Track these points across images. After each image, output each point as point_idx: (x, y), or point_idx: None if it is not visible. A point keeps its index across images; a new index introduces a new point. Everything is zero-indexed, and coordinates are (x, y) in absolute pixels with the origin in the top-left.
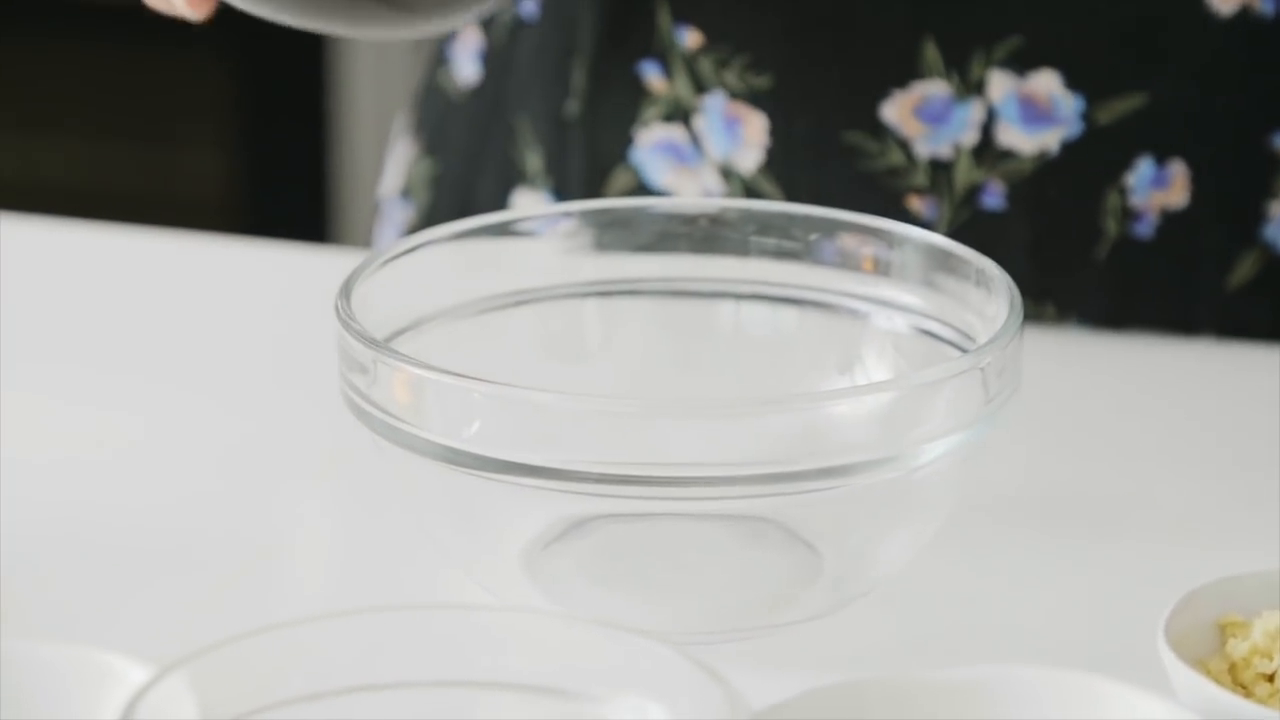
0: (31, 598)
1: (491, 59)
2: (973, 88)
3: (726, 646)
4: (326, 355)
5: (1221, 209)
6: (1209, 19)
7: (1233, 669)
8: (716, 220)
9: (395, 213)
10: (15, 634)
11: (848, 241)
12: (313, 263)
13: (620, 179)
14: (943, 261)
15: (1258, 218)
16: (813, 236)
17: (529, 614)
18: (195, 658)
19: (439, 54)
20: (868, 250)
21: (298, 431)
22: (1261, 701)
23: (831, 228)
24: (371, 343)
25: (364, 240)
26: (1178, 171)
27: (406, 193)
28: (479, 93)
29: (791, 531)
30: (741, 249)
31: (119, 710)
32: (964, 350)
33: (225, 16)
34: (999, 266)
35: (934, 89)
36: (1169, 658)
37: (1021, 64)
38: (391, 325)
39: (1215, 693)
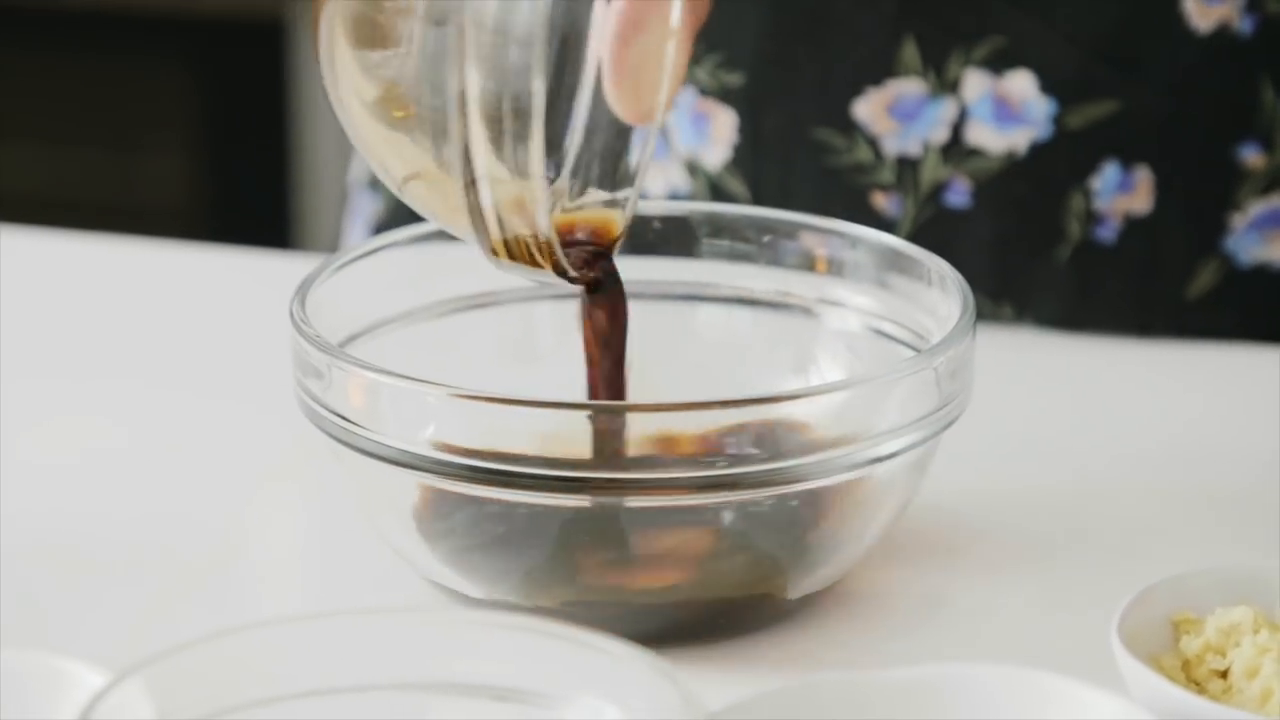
0: None
1: None
2: (948, 86)
3: (683, 647)
4: (288, 359)
5: (1184, 217)
6: (1187, 34)
7: (1186, 666)
8: (671, 222)
9: (364, 204)
10: None
11: (801, 242)
12: (276, 268)
13: None
14: (896, 262)
15: (1220, 228)
16: (766, 238)
17: (485, 616)
18: (152, 662)
19: None
20: (821, 251)
21: (257, 436)
22: (1214, 698)
23: (785, 229)
24: (326, 347)
25: (330, 236)
26: (1143, 177)
27: (375, 184)
28: None
29: (744, 532)
30: (696, 251)
31: (76, 715)
32: (917, 350)
33: (187, 24)
34: (952, 267)
35: (909, 87)
36: (1122, 655)
37: (999, 64)
38: (348, 329)
39: (1168, 689)
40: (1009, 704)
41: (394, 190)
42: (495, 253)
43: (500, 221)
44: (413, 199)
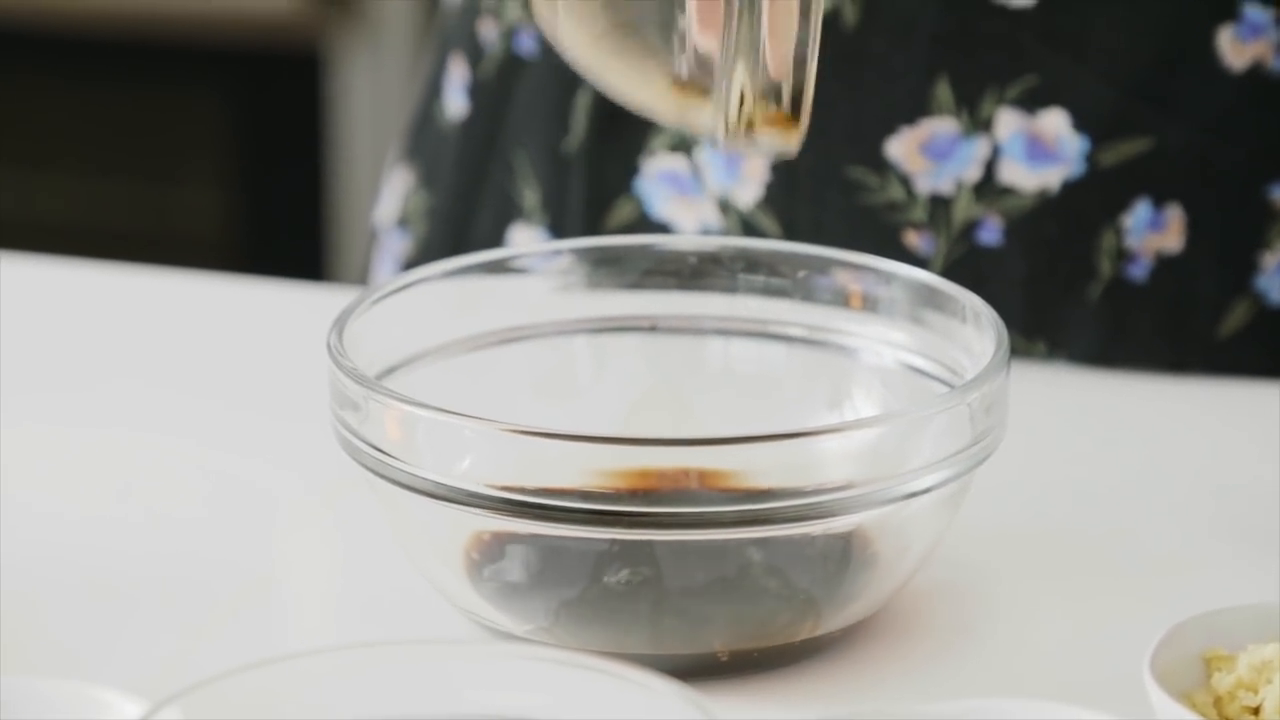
0: (26, 632)
1: (479, 93)
2: (981, 125)
3: (717, 681)
4: (322, 391)
5: (1216, 256)
6: (1221, 72)
7: (1218, 702)
8: (707, 258)
9: (393, 243)
10: (9, 669)
11: (836, 278)
12: (310, 299)
13: (622, 209)
14: (930, 298)
15: (1251, 267)
16: (801, 274)
17: (520, 649)
18: (188, 692)
19: (434, 83)
20: (856, 287)
21: (292, 467)
22: None
23: (820, 265)
24: (363, 380)
25: (360, 272)
26: (1175, 216)
27: (404, 223)
28: (468, 126)
29: (779, 566)
30: (731, 286)
31: None
32: (951, 386)
33: (223, 55)
34: (986, 303)
35: (942, 126)
36: (1155, 691)
37: (1032, 103)
38: (384, 362)
39: None
40: None
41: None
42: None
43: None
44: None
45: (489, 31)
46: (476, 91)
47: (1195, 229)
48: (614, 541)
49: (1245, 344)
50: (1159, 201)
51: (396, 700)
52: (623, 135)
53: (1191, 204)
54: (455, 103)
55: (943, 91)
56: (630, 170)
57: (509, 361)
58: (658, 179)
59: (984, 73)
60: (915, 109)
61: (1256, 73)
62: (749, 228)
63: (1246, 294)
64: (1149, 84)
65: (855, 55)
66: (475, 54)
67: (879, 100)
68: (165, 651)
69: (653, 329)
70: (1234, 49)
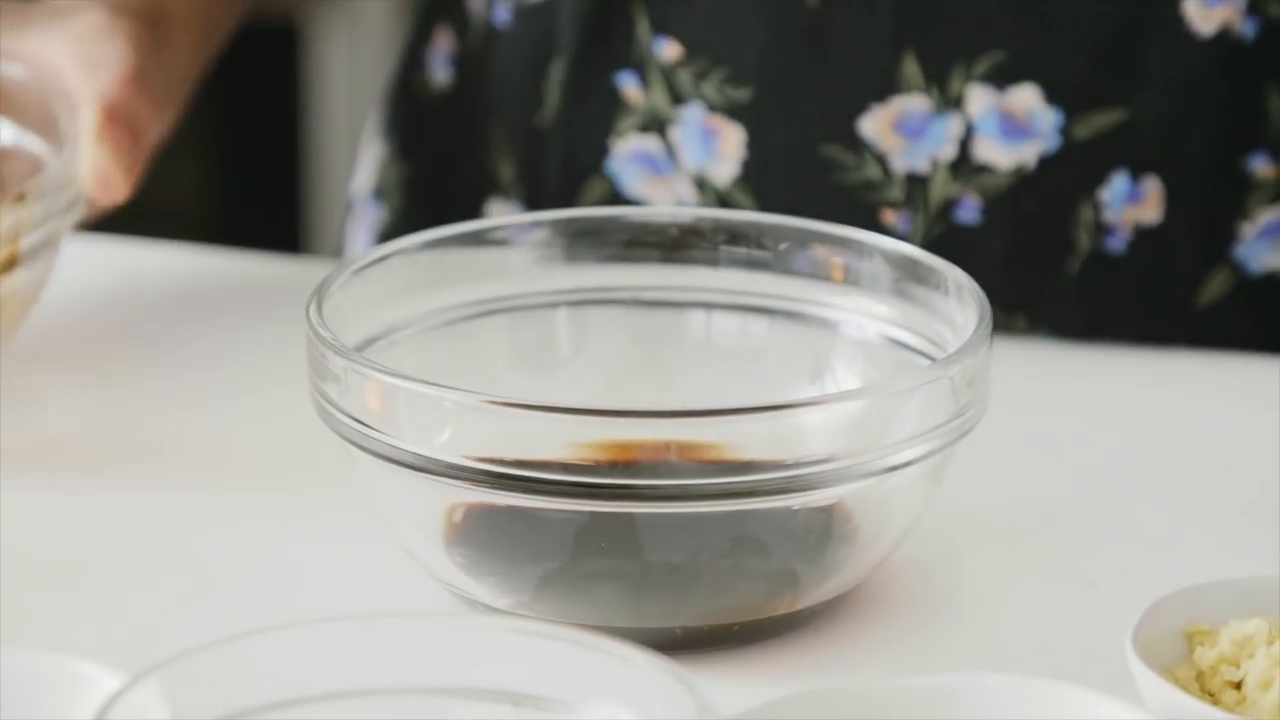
0: (3, 606)
1: (465, 64)
2: (952, 102)
3: (698, 654)
4: (299, 363)
5: (1194, 227)
6: (1189, 38)
7: (1200, 677)
8: (688, 230)
9: (368, 214)
10: None
11: (818, 251)
12: (287, 272)
13: (595, 188)
14: (913, 271)
15: (1230, 237)
16: (783, 246)
17: (500, 621)
18: (167, 665)
19: (411, 55)
20: (838, 260)
21: (271, 439)
22: (1228, 709)
23: (802, 237)
24: (342, 351)
25: (335, 244)
26: (1152, 188)
27: (379, 194)
28: (452, 97)
29: (759, 540)
30: (712, 259)
31: (91, 717)
32: (934, 359)
33: None
34: (969, 276)
35: (914, 104)
36: (1137, 666)
37: (1002, 78)
38: (363, 334)
39: (1183, 700)
40: (1023, 713)
41: None
42: None
43: None
44: None
45: (476, 1)
46: (464, 63)
47: (1173, 200)
48: (594, 514)
49: (1225, 314)
50: (1136, 173)
51: (376, 672)
52: (590, 116)
53: (1169, 175)
54: (440, 73)
55: (910, 67)
56: (601, 150)
57: (489, 333)
58: (630, 159)
59: (950, 47)
60: (885, 86)
61: (1225, 37)
62: (725, 205)
63: (1225, 264)
64: (1117, 52)
65: (819, 33)
66: (461, 25)
67: (847, 78)
68: (147, 625)
69: (634, 301)
70: (1201, 13)
